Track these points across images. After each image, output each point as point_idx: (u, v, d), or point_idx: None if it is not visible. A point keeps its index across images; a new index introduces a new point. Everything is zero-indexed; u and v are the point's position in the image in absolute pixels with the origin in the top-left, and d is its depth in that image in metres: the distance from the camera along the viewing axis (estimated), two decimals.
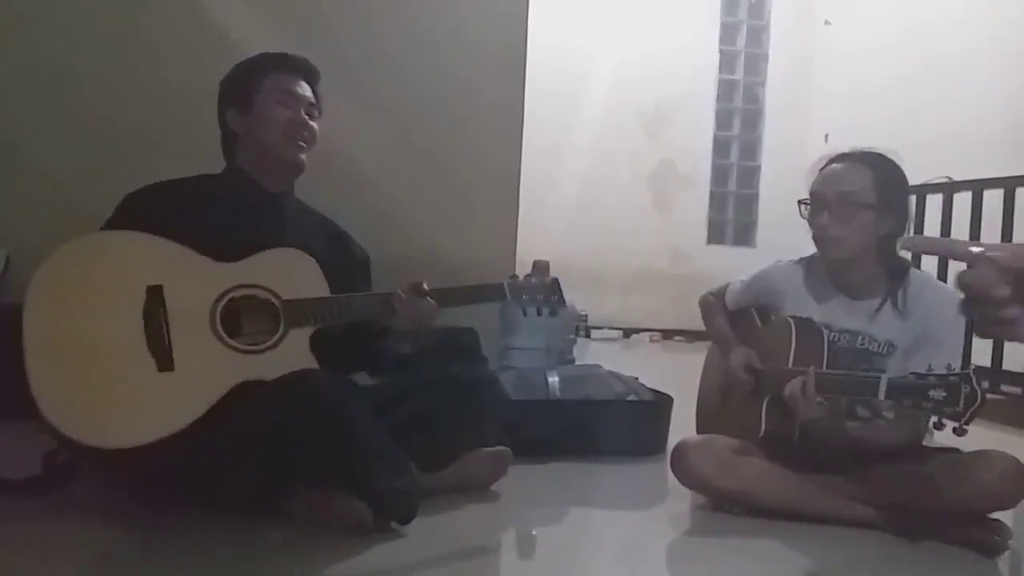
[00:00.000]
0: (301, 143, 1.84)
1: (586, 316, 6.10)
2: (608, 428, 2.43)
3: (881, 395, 1.62)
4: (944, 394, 1.53)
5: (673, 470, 1.89)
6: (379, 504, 1.57)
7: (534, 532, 1.86)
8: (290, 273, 1.72)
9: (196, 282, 1.63)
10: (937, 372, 1.57)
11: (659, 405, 2.53)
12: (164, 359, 1.55)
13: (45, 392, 1.48)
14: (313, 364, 1.65)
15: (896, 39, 5.66)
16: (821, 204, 1.83)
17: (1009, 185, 3.48)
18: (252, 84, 1.84)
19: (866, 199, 1.81)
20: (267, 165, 1.84)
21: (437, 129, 2.60)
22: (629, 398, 2.54)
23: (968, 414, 1.51)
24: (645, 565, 1.69)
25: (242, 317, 1.67)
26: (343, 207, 1.96)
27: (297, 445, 1.55)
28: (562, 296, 1.94)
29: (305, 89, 1.87)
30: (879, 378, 1.63)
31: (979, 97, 4.87)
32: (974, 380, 1.52)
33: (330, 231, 1.97)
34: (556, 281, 1.95)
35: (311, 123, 1.86)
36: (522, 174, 2.81)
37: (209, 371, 1.57)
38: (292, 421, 1.53)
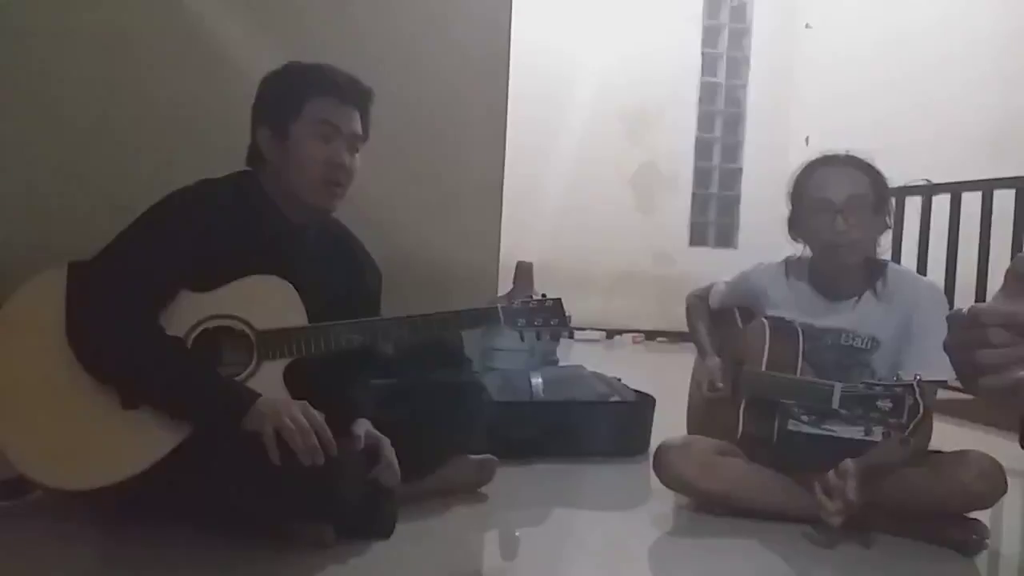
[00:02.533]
0: (336, 188, 1.64)
1: (570, 317, 6.09)
2: (591, 429, 2.43)
3: (835, 404, 1.60)
4: (890, 404, 1.51)
5: (655, 471, 1.91)
6: (351, 527, 1.56)
7: (517, 533, 1.86)
8: (266, 301, 1.58)
9: (166, 313, 1.53)
10: (884, 382, 1.55)
11: (641, 406, 2.54)
12: (128, 397, 1.49)
13: (5, 432, 1.44)
14: (285, 396, 1.52)
15: (876, 43, 5.71)
16: (830, 210, 1.81)
17: (987, 188, 3.52)
18: (290, 109, 1.62)
19: (870, 200, 1.83)
20: (294, 201, 1.65)
21: (420, 131, 2.60)
22: (612, 399, 2.55)
23: (911, 426, 1.49)
24: (628, 565, 1.70)
25: (219, 349, 1.57)
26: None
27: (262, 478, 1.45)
28: (564, 318, 1.76)
29: (351, 118, 1.65)
30: (833, 386, 1.62)
31: (958, 101, 4.92)
32: (917, 391, 1.49)
33: (345, 257, 1.80)
34: (558, 302, 1.75)
35: (351, 162, 1.65)
36: (506, 176, 2.81)
37: None
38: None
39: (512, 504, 1.97)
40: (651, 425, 2.50)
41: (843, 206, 1.80)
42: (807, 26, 6.58)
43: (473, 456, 1.94)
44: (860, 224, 1.81)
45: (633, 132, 6.53)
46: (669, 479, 1.89)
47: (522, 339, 1.75)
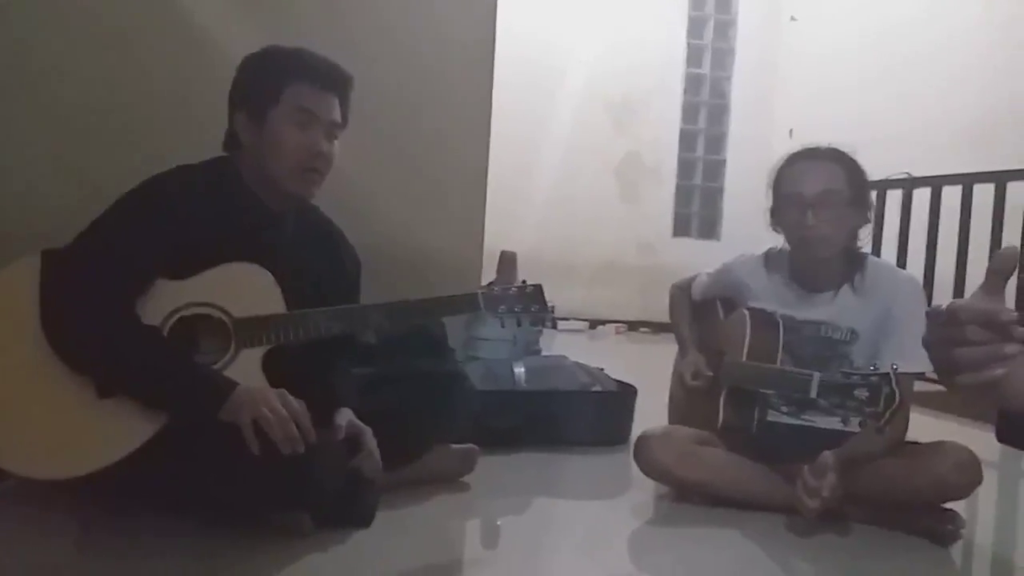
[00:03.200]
0: (314, 175, 1.62)
1: (553, 307, 6.10)
2: (573, 418, 2.45)
3: (813, 393, 1.62)
4: (867, 394, 1.52)
5: (636, 460, 1.92)
6: (330, 516, 1.56)
7: (499, 522, 1.87)
8: (243, 289, 1.56)
9: (142, 301, 1.51)
10: (862, 371, 1.57)
11: (623, 396, 2.56)
12: (105, 385, 1.47)
13: None
14: (263, 384, 1.51)
15: (861, 36, 5.74)
16: (803, 204, 1.83)
17: (967, 182, 3.55)
18: (268, 95, 1.59)
19: (845, 195, 1.83)
20: (271, 187, 1.63)
21: (404, 119, 2.58)
22: (594, 389, 2.56)
23: (887, 415, 1.50)
24: (608, 554, 1.71)
25: (196, 337, 1.55)
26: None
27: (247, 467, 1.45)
28: (545, 304, 1.74)
29: (331, 105, 1.62)
30: (811, 376, 1.63)
31: (941, 95, 4.97)
32: (893, 380, 1.51)
33: (324, 244, 1.78)
34: (538, 288, 1.74)
35: (329, 149, 1.63)
36: (490, 165, 2.80)
37: None
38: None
39: (494, 493, 1.98)
40: (632, 415, 2.52)
41: (814, 200, 1.81)
42: (792, 19, 6.60)
43: (455, 445, 1.94)
44: (831, 219, 1.82)
45: (618, 122, 6.53)
46: (649, 468, 1.91)
47: (503, 326, 1.73)
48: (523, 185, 6.11)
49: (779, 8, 6.70)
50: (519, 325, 1.75)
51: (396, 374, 1.90)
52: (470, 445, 1.96)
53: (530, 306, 1.72)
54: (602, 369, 2.78)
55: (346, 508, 1.58)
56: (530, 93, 5.93)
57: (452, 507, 1.85)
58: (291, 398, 1.47)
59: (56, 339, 1.47)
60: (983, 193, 3.46)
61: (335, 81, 1.64)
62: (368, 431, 1.64)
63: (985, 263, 0.69)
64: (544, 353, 3.24)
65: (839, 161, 1.86)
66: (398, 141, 2.58)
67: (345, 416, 1.64)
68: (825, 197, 1.81)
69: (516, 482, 2.11)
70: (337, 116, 1.65)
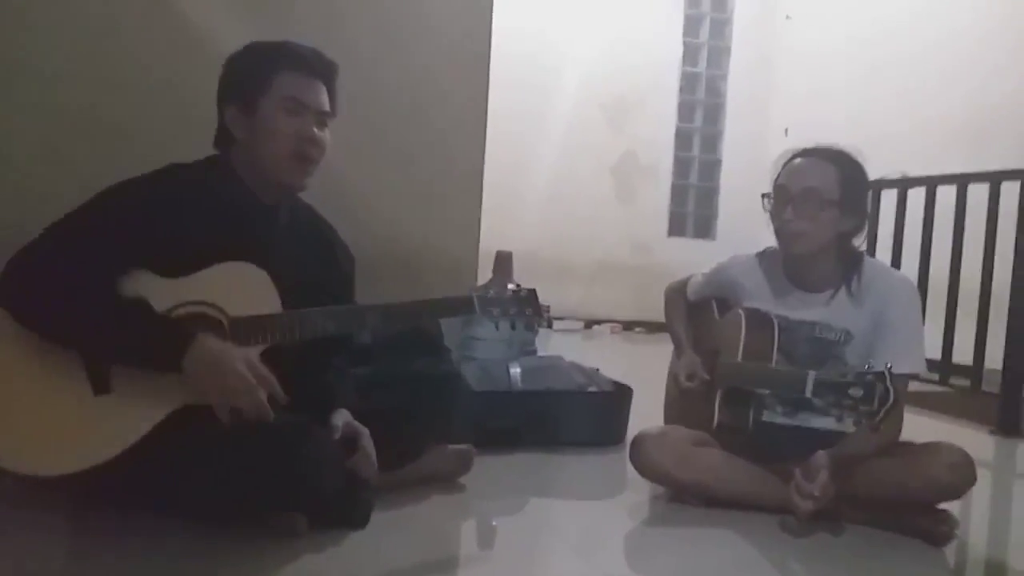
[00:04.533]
0: (307, 163, 1.62)
1: (548, 308, 6.11)
2: (569, 418, 2.45)
3: (808, 392, 1.62)
4: (861, 392, 1.53)
5: (631, 461, 1.92)
6: (326, 516, 1.56)
7: (494, 523, 1.87)
8: (240, 288, 1.55)
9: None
10: (856, 370, 1.57)
11: (619, 396, 2.56)
12: (100, 382, 1.46)
13: None
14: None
15: (856, 35, 5.75)
16: (785, 198, 1.85)
17: (962, 182, 3.56)
18: (257, 85, 1.60)
19: (830, 196, 1.82)
20: (264, 179, 1.64)
21: (400, 118, 2.58)
22: (590, 389, 2.56)
23: (882, 413, 1.51)
24: (604, 554, 1.71)
25: None
26: (304, 196, 1.92)
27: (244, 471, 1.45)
28: (539, 308, 1.76)
29: (319, 93, 1.63)
30: (807, 375, 1.64)
31: (937, 94, 4.98)
32: (888, 379, 1.52)
33: (318, 239, 1.78)
34: (533, 293, 1.76)
35: (321, 136, 1.63)
36: (487, 165, 2.81)
37: (148, 393, 1.46)
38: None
39: (490, 494, 1.98)
40: (628, 415, 2.52)
41: (797, 196, 1.82)
42: (788, 17, 6.61)
43: (452, 446, 1.94)
44: (810, 217, 1.82)
45: (614, 121, 6.54)
46: (645, 469, 1.91)
47: (497, 328, 1.75)
48: (519, 184, 6.12)
49: (774, 6, 6.71)
50: (513, 328, 1.77)
51: (392, 374, 1.89)
52: (466, 445, 1.96)
53: (524, 310, 1.74)
54: (598, 369, 2.78)
55: (342, 509, 1.58)
56: (526, 92, 5.93)
57: (448, 508, 1.85)
58: (257, 362, 1.45)
59: (15, 303, 1.46)
60: (978, 192, 3.46)
61: (321, 69, 1.65)
62: (365, 432, 1.64)
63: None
64: (540, 353, 3.25)
65: (836, 162, 1.86)
66: (394, 140, 2.58)
67: (342, 416, 1.64)
68: (808, 194, 1.82)
69: (512, 483, 2.12)
70: (326, 104, 1.65)
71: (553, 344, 4.60)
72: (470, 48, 2.72)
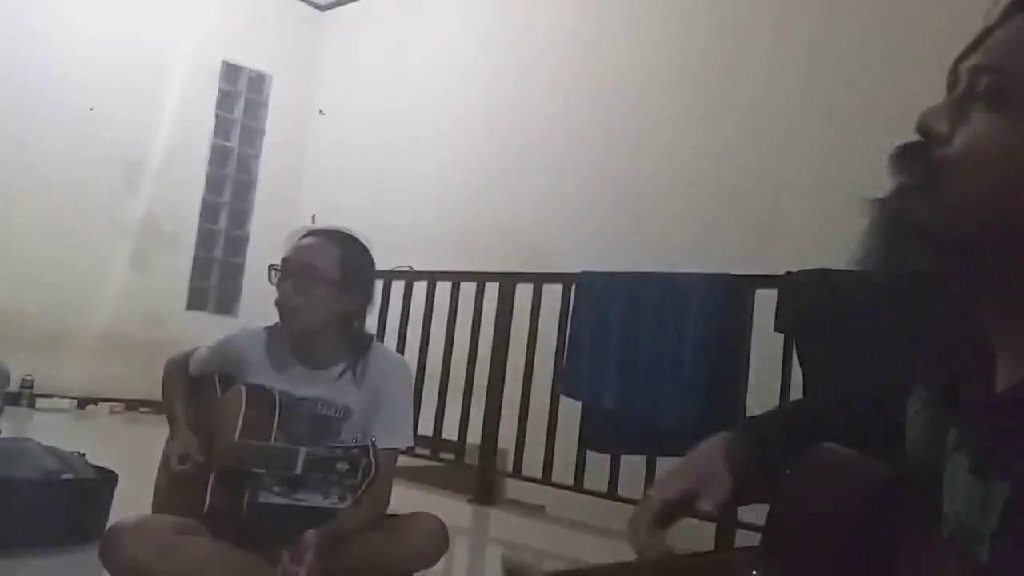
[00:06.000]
0: None
1: (31, 382, 5.26)
2: (34, 513, 2.08)
3: (299, 468, 1.62)
4: (347, 466, 1.57)
5: (102, 558, 1.67)
6: None
7: None
8: None
9: None
10: (344, 445, 1.63)
11: (97, 484, 2.26)
12: None
13: None
14: None
15: (383, 135, 6.28)
16: (288, 273, 1.88)
17: (455, 279, 4.04)
18: None
19: (329, 275, 1.89)
20: None
21: None
22: (64, 476, 2.22)
23: (364, 486, 1.57)
24: None
25: None
26: None
27: None
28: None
29: None
30: (298, 451, 1.64)
31: (434, 191, 5.64)
32: (371, 452, 1.59)
33: None
34: None
35: None
36: None
37: None
38: None
39: None
40: (109, 506, 2.23)
41: (296, 271, 1.88)
42: (321, 112, 6.93)
43: None
44: (306, 292, 1.88)
45: (132, 182, 6.04)
46: (120, 565, 1.68)
47: None
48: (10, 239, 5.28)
49: (309, 98, 6.99)
50: None
51: None
52: None
53: None
54: (83, 454, 2.43)
55: None
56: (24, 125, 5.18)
57: None
58: None
59: None
60: (468, 289, 3.97)
61: None
62: None
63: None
64: (7, 435, 2.76)
65: (341, 245, 1.94)
66: None
67: None
68: (307, 271, 1.88)
69: None
70: None
71: (35, 426, 3.95)
72: None
